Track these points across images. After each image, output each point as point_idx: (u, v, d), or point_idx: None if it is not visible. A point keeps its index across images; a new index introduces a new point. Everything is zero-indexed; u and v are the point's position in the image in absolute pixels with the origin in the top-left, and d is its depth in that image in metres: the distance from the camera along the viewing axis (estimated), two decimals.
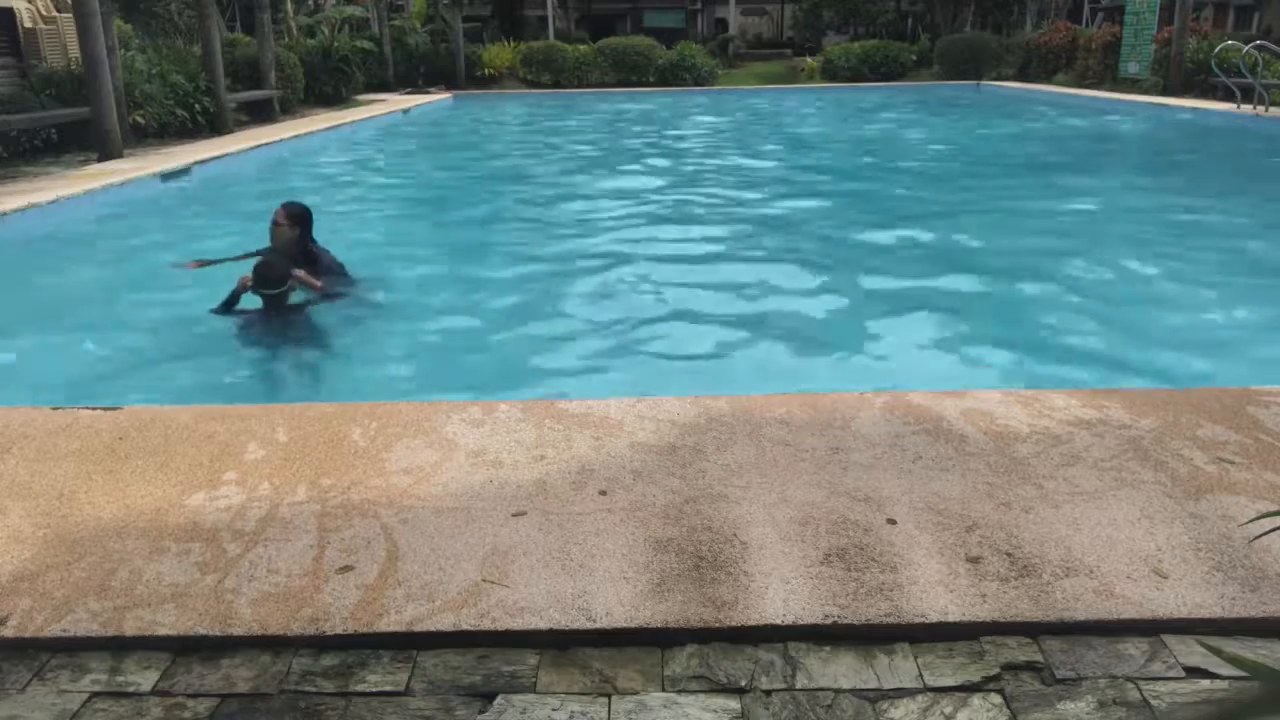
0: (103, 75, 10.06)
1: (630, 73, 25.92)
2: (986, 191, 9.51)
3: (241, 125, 14.24)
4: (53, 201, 7.50)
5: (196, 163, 10.13)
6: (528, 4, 37.67)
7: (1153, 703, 1.68)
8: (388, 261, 7.04)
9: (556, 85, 25.76)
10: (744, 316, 5.30)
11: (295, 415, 2.90)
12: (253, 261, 4.90)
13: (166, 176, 9.41)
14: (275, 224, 5.27)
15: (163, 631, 1.87)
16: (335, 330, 5.04)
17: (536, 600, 1.94)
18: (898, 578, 1.99)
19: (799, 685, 1.74)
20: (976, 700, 1.70)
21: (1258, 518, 2.03)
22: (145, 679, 1.78)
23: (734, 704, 1.70)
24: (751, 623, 1.87)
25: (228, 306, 4.92)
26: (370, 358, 4.82)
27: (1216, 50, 15.88)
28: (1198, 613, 1.88)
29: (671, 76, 25.93)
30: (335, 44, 19.95)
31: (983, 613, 1.89)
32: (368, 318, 5.26)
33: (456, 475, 2.47)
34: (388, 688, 1.75)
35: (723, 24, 37.88)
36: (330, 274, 5.41)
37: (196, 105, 13.04)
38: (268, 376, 4.64)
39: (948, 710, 1.68)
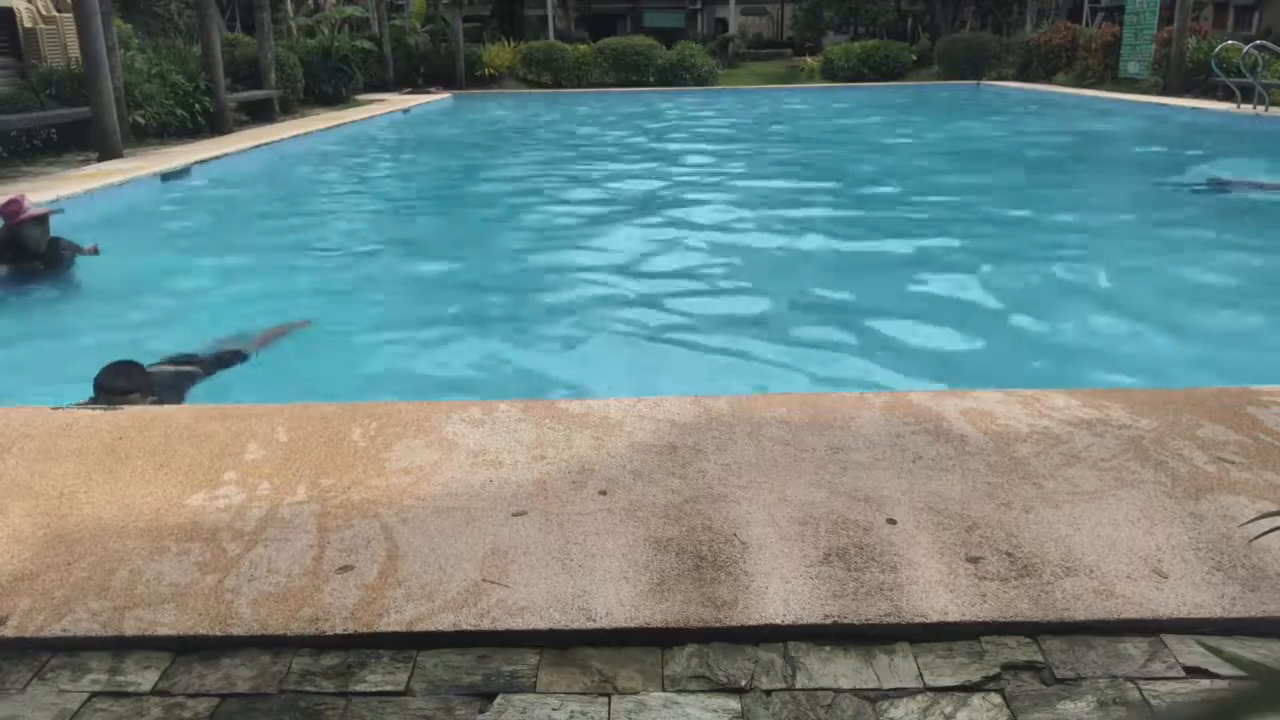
0: (103, 75, 10.06)
1: (630, 73, 25.92)
2: (986, 191, 9.52)
3: (241, 125, 14.24)
4: (52, 201, 7.48)
5: (196, 162, 10.13)
6: (528, 4, 37.67)
7: (1153, 702, 1.68)
8: (388, 260, 7.05)
9: (556, 85, 25.76)
10: (744, 316, 5.30)
11: (295, 415, 2.90)
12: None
13: (166, 176, 9.41)
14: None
15: (163, 631, 1.87)
16: None
17: (536, 600, 1.93)
18: (898, 577, 1.99)
19: (799, 685, 1.74)
20: (976, 700, 1.70)
21: (1258, 518, 2.03)
22: (145, 679, 1.78)
23: (734, 704, 1.70)
24: (751, 622, 1.87)
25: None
26: (370, 359, 4.82)
27: (1216, 50, 15.88)
28: (1198, 613, 1.88)
29: (671, 76, 25.92)
30: (335, 44, 19.95)
31: (983, 612, 1.89)
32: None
33: (456, 475, 2.47)
34: (388, 688, 1.75)
35: (723, 24, 37.88)
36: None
37: (196, 105, 13.04)
38: None
39: (948, 710, 1.68)
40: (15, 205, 5.69)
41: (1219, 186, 9.00)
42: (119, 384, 3.67)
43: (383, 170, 12.30)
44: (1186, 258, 6.59)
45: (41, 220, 5.75)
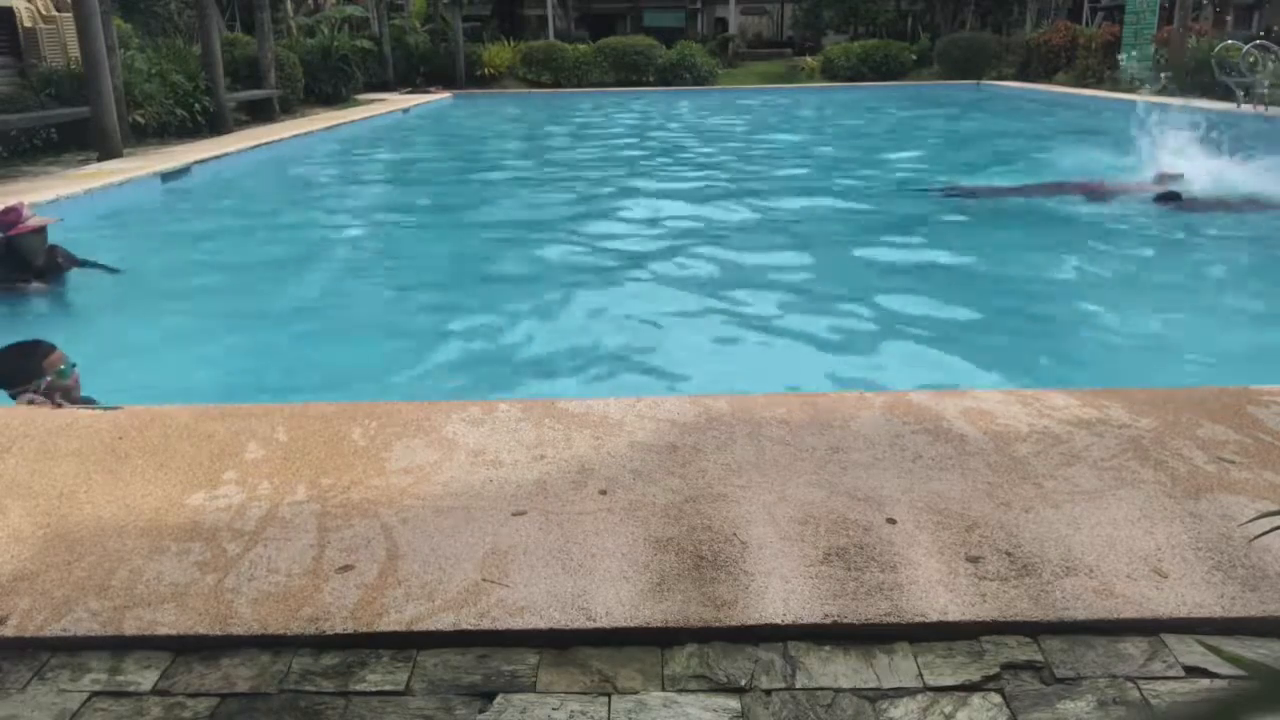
0: (103, 75, 10.06)
1: (630, 72, 25.90)
2: (985, 191, 9.51)
3: (241, 125, 14.24)
4: (52, 201, 7.49)
5: (196, 162, 10.13)
6: (528, 3, 37.66)
7: (1153, 702, 1.68)
8: (388, 260, 7.05)
9: (556, 85, 25.75)
10: (744, 316, 5.30)
11: (295, 415, 2.90)
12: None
13: (166, 176, 9.41)
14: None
15: (163, 631, 1.87)
16: None
17: (536, 600, 1.93)
18: (897, 577, 1.99)
19: (799, 684, 1.74)
20: (976, 699, 1.70)
21: (1258, 517, 2.03)
22: (145, 678, 1.78)
23: (734, 703, 1.70)
24: (751, 622, 1.87)
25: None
26: (371, 357, 4.82)
27: (1216, 49, 15.89)
28: (1197, 612, 1.88)
29: (671, 76, 25.91)
30: (335, 43, 19.95)
31: (983, 612, 1.89)
32: None
33: (456, 475, 2.47)
34: (388, 687, 1.75)
35: (723, 23, 37.86)
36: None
37: (196, 105, 13.04)
38: None
39: (947, 709, 1.68)
40: (14, 215, 5.59)
41: (959, 192, 9.17)
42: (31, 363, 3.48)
43: (383, 170, 12.30)
44: (1186, 255, 6.59)
45: (40, 231, 5.67)
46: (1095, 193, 8.66)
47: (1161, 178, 8.24)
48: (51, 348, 3.57)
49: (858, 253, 6.96)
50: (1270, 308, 5.38)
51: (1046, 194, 8.80)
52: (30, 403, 3.40)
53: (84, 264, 5.98)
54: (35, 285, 5.67)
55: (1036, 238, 7.38)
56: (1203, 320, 5.15)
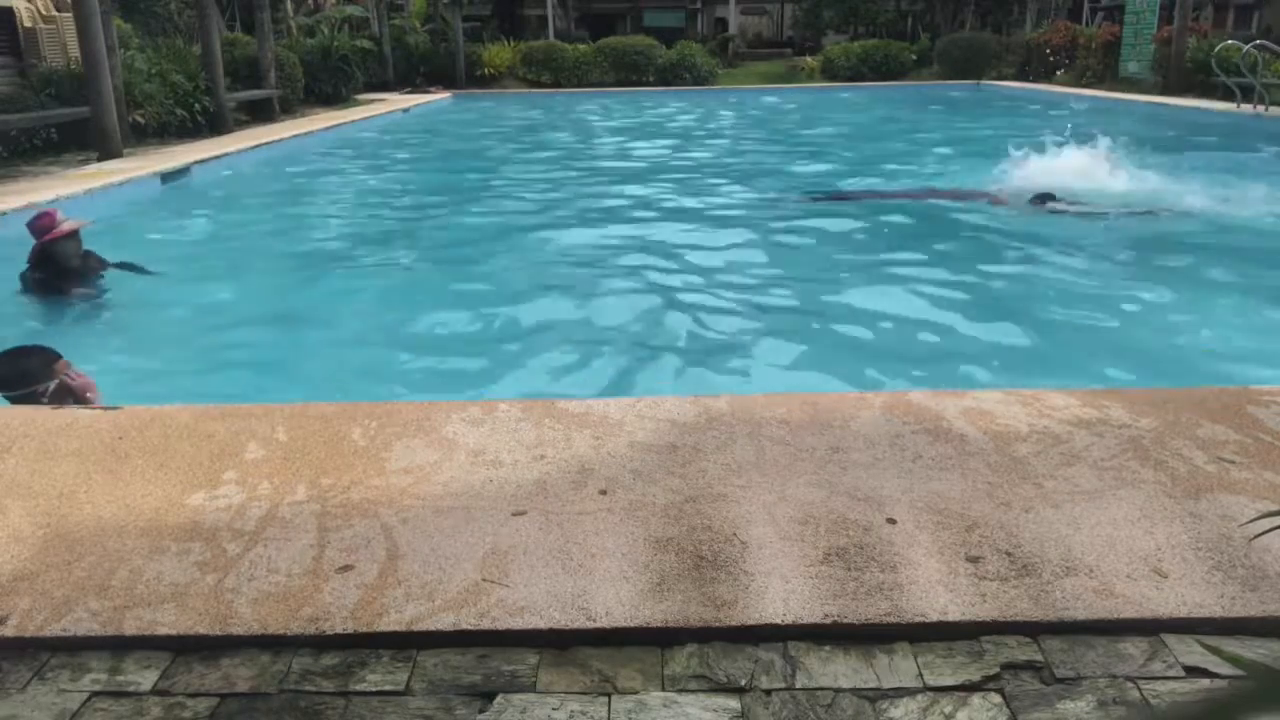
0: (102, 75, 10.07)
1: (630, 72, 25.91)
2: (986, 191, 9.51)
3: (241, 125, 14.24)
4: (52, 201, 7.49)
5: (196, 162, 10.14)
6: (528, 3, 37.69)
7: (1153, 702, 1.68)
8: (388, 260, 7.05)
9: (556, 85, 25.76)
10: (744, 316, 5.30)
11: (295, 415, 2.90)
12: None
13: (166, 176, 9.42)
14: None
15: (163, 631, 1.87)
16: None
17: (536, 600, 1.93)
18: (897, 577, 1.99)
19: (799, 684, 1.74)
20: (976, 699, 1.70)
21: (1258, 517, 2.03)
22: (145, 678, 1.78)
23: (734, 703, 1.70)
24: (751, 622, 1.87)
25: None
26: (373, 356, 4.82)
27: (1216, 49, 15.89)
28: (1197, 612, 1.88)
29: (671, 76, 25.92)
30: (335, 43, 19.95)
31: (982, 612, 1.89)
32: None
33: (456, 475, 2.47)
34: (388, 687, 1.75)
35: (723, 23, 37.87)
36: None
37: (196, 105, 13.04)
38: None
39: (947, 709, 1.68)
40: (48, 220, 5.49)
41: (837, 197, 9.16)
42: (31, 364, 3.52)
43: (383, 170, 12.29)
44: (1186, 255, 6.59)
45: (74, 235, 5.56)
46: (995, 199, 8.77)
47: (1038, 196, 8.27)
48: (57, 355, 3.58)
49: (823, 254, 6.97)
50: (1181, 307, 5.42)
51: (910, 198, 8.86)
52: (41, 394, 3.42)
53: (117, 266, 5.92)
54: (77, 291, 5.59)
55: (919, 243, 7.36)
56: (1084, 318, 5.20)
